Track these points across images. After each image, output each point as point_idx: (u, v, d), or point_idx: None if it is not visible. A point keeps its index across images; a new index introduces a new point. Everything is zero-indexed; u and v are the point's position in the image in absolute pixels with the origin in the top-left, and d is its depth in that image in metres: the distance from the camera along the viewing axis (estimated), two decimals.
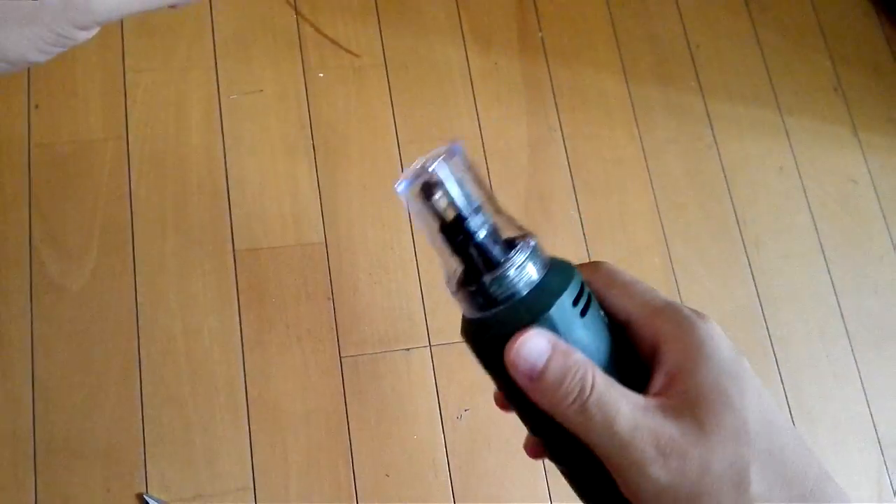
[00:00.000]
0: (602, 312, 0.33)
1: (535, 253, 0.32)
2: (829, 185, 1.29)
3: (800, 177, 1.29)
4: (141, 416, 1.01)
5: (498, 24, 1.29)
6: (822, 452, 1.14)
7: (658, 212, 1.22)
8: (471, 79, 1.24)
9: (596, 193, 1.22)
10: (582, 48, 1.30)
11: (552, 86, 1.27)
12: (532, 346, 0.29)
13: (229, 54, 1.19)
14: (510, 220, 0.33)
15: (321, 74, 1.20)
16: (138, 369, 1.03)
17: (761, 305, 1.20)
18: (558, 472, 0.36)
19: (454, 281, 0.33)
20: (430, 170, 0.31)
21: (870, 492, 1.13)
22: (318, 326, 1.08)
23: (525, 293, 0.31)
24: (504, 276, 0.30)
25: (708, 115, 1.30)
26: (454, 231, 0.31)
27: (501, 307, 0.31)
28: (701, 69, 1.32)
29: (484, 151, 1.20)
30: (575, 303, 0.31)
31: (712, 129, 1.29)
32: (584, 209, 1.20)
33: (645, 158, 1.25)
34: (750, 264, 1.22)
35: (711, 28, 1.35)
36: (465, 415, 1.07)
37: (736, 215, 1.24)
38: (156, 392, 1.02)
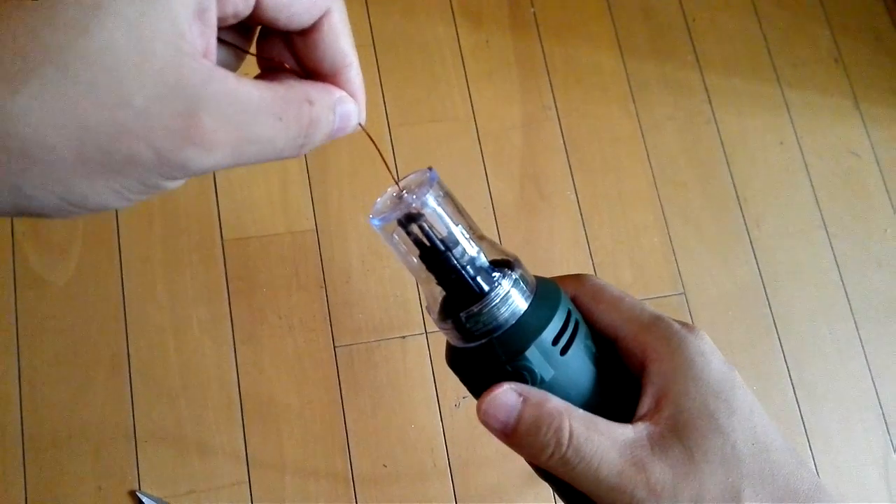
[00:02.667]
0: (589, 341, 0.32)
1: (517, 284, 0.30)
2: (831, 158, 1.26)
3: (800, 151, 1.26)
4: (131, 412, 0.99)
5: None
6: (827, 431, 1.12)
7: (657, 190, 1.20)
8: (462, 57, 1.21)
9: (593, 173, 1.19)
10: (575, 23, 1.26)
11: (545, 62, 1.23)
12: (501, 402, 0.29)
13: None
14: (493, 246, 0.32)
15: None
16: (127, 364, 1.00)
17: (763, 283, 1.18)
18: None
19: (436, 310, 0.32)
20: (407, 201, 0.30)
21: (876, 470, 1.11)
22: (310, 316, 1.05)
23: (503, 330, 0.29)
24: (481, 313, 0.29)
25: (706, 90, 1.26)
26: (433, 263, 0.30)
27: (480, 342, 0.30)
28: (698, 42, 1.29)
29: (477, 131, 1.17)
30: (557, 339, 0.30)
31: (710, 104, 1.26)
32: (580, 189, 1.17)
33: (642, 136, 1.22)
34: (751, 242, 1.20)
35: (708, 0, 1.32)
36: (463, 402, 1.04)
37: (736, 192, 1.22)
38: (146, 387, 1.00)
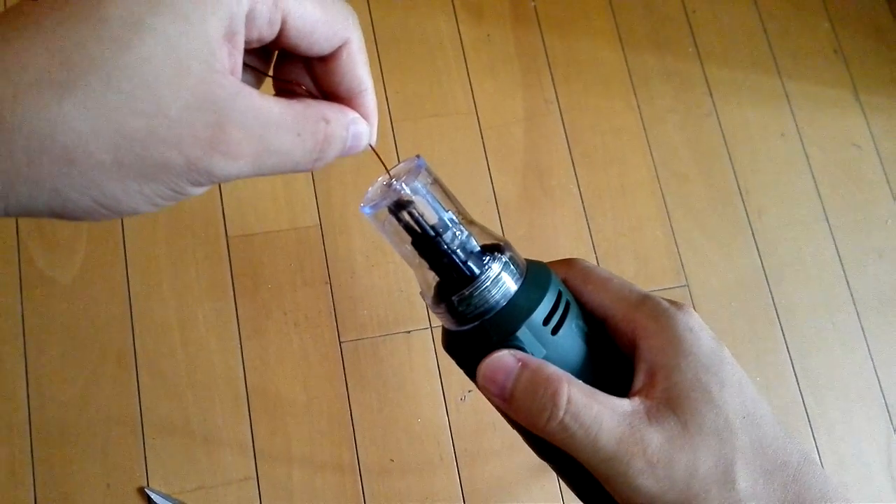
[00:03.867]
0: (580, 321, 0.32)
1: (508, 266, 0.31)
2: (832, 149, 1.27)
3: (801, 142, 1.26)
4: (139, 409, 0.99)
5: None
6: (830, 421, 1.13)
7: (658, 183, 1.20)
8: (463, 52, 1.21)
9: (595, 166, 1.19)
10: (576, 16, 1.26)
11: (547, 56, 1.23)
12: (499, 366, 0.30)
13: None
14: (483, 231, 0.32)
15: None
16: (134, 361, 1.01)
17: (765, 274, 1.18)
18: None
19: (429, 295, 0.32)
20: (395, 188, 0.31)
21: (879, 459, 1.12)
22: (315, 312, 1.06)
23: (494, 312, 0.30)
24: (472, 296, 0.30)
25: (707, 82, 1.27)
26: (424, 248, 0.31)
27: (473, 325, 0.30)
28: (698, 35, 1.29)
29: (479, 126, 1.17)
30: (548, 319, 0.30)
31: (711, 96, 1.26)
32: (583, 182, 1.18)
33: (644, 128, 1.22)
34: (753, 233, 1.20)
35: None
36: (469, 396, 1.05)
37: (738, 184, 1.22)
38: (153, 384, 1.00)
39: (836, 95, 1.30)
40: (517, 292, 0.30)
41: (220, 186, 1.09)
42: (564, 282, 0.33)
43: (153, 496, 0.96)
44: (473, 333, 0.30)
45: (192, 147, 0.24)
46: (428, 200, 0.31)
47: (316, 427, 1.01)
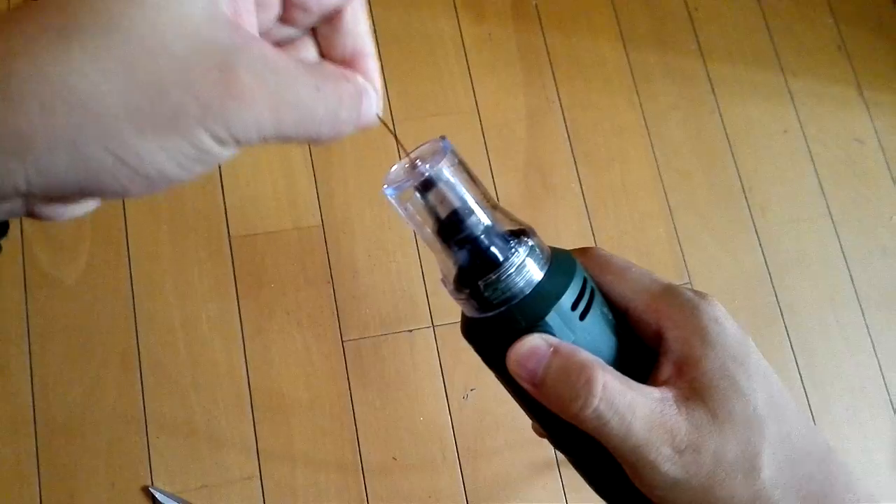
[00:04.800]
0: (605, 309, 0.31)
1: (534, 251, 0.30)
2: (835, 146, 1.26)
3: (805, 139, 1.26)
4: (143, 408, 1.00)
5: None
6: (835, 419, 1.12)
7: (661, 180, 1.20)
8: (465, 51, 1.21)
9: (597, 164, 1.19)
10: (578, 14, 1.26)
11: (549, 55, 1.23)
12: (531, 350, 0.29)
13: None
14: (507, 216, 0.31)
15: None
16: (138, 361, 1.01)
17: (769, 272, 1.18)
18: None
19: (451, 280, 0.31)
20: (420, 170, 0.30)
21: (884, 456, 1.12)
22: (318, 311, 1.06)
23: (521, 297, 0.29)
24: (500, 280, 0.29)
25: (709, 80, 1.26)
26: (449, 232, 0.30)
27: (499, 310, 0.30)
28: (701, 32, 1.29)
29: (481, 125, 1.17)
30: (575, 305, 0.30)
31: (714, 93, 1.26)
32: (585, 181, 1.18)
33: (646, 126, 1.22)
34: (756, 230, 1.20)
35: None
36: (472, 394, 1.05)
37: (741, 181, 1.22)
38: (157, 383, 1.01)
39: (839, 92, 1.29)
40: (545, 277, 0.30)
41: (222, 186, 1.09)
42: None
43: (157, 495, 0.96)
44: (499, 319, 0.30)
45: (203, 89, 0.23)
46: (453, 183, 0.30)
47: (319, 426, 1.02)
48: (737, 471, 0.28)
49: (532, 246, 0.30)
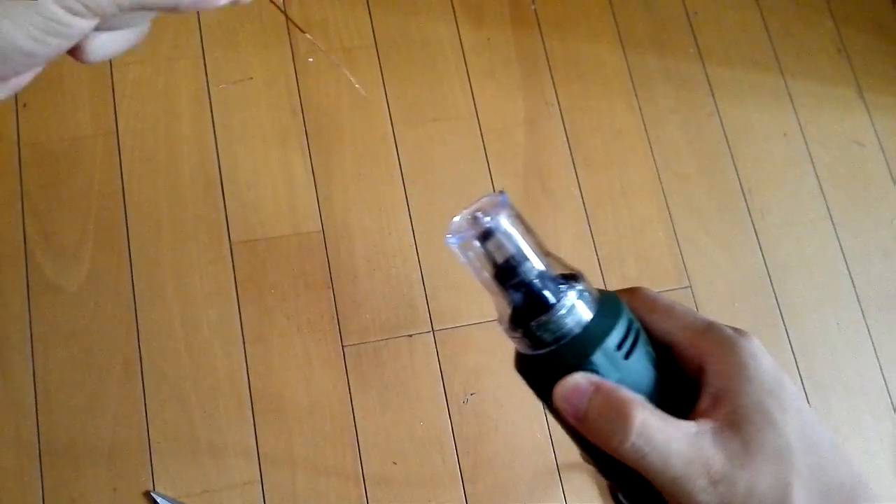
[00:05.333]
0: (650, 347, 0.34)
1: (582, 294, 0.33)
2: (835, 148, 1.26)
3: (805, 141, 1.26)
4: (144, 413, 1.00)
5: None
6: (836, 422, 1.12)
7: (660, 184, 1.20)
8: (463, 55, 1.22)
9: (596, 168, 1.19)
10: (576, 18, 1.27)
11: (547, 59, 1.24)
12: (574, 388, 0.31)
13: (216, 42, 1.17)
14: (558, 262, 0.34)
15: (311, 59, 1.17)
16: (139, 366, 1.02)
17: (769, 274, 1.18)
18: (567, 454, 0.36)
19: (506, 320, 0.34)
20: (482, 223, 0.33)
21: (886, 459, 1.12)
22: (318, 316, 1.06)
23: (570, 338, 0.32)
24: (550, 321, 0.32)
25: (708, 82, 1.26)
26: (506, 277, 0.33)
27: (549, 349, 0.32)
28: (700, 35, 1.29)
29: (480, 129, 1.18)
30: (620, 345, 0.32)
31: (713, 96, 1.26)
32: (584, 184, 1.18)
33: (645, 130, 1.22)
34: (756, 233, 1.20)
35: None
36: (471, 398, 1.05)
37: (740, 183, 1.22)
38: (158, 388, 1.02)
39: (839, 94, 1.29)
40: (592, 319, 0.32)
41: (223, 192, 1.10)
42: (630, 311, 0.35)
43: (159, 500, 0.97)
44: (549, 357, 0.32)
45: None
46: (510, 233, 0.33)
47: (319, 431, 1.02)
48: (768, 501, 0.29)
49: (581, 290, 0.33)
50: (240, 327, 1.05)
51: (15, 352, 1.01)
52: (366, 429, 1.03)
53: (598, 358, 0.31)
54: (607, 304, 0.33)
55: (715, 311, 1.15)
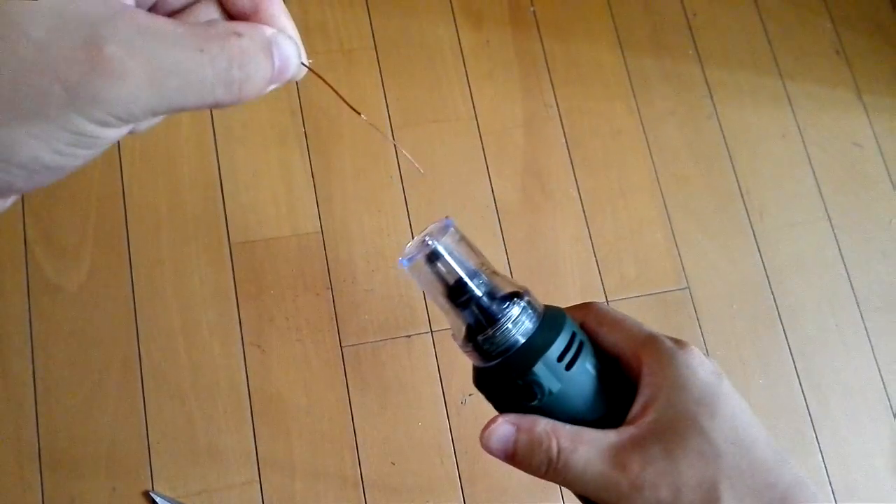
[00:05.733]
0: (594, 358, 0.36)
1: (526, 310, 0.35)
2: (834, 149, 1.26)
3: (803, 143, 1.26)
4: (143, 414, 1.01)
5: None
6: (834, 423, 1.12)
7: (659, 185, 1.20)
8: (463, 57, 1.22)
9: (595, 169, 1.19)
10: (575, 20, 1.27)
11: (546, 60, 1.24)
12: (498, 434, 0.34)
13: None
14: (505, 280, 0.36)
15: (310, 60, 1.17)
16: (139, 366, 1.02)
17: (767, 276, 1.18)
18: None
19: (460, 336, 0.36)
20: (428, 244, 0.35)
21: (883, 460, 1.12)
22: (317, 317, 1.07)
23: (514, 350, 0.34)
24: (496, 335, 0.34)
25: (707, 84, 1.27)
26: (455, 295, 0.35)
27: (496, 361, 0.34)
28: (698, 36, 1.29)
29: (479, 131, 1.18)
30: (562, 356, 0.34)
31: (712, 98, 1.26)
32: (583, 186, 1.18)
33: (644, 131, 1.23)
34: (755, 234, 1.20)
35: None
36: (470, 399, 1.05)
37: (739, 185, 1.22)
38: (157, 389, 1.02)
39: (837, 95, 1.29)
40: (534, 333, 0.34)
41: (222, 193, 1.10)
42: (582, 324, 0.37)
43: (158, 500, 0.97)
44: (497, 369, 0.34)
45: (66, 70, 0.21)
46: (456, 254, 0.35)
47: (318, 431, 1.03)
48: (695, 501, 0.31)
49: (524, 305, 0.35)
50: (239, 328, 1.05)
51: (15, 351, 1.01)
52: (364, 429, 1.03)
53: (539, 369, 0.33)
54: (551, 318, 0.36)
55: (713, 312, 1.15)
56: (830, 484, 1.09)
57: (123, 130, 0.24)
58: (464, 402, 1.06)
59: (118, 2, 0.23)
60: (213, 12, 0.27)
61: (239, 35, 0.25)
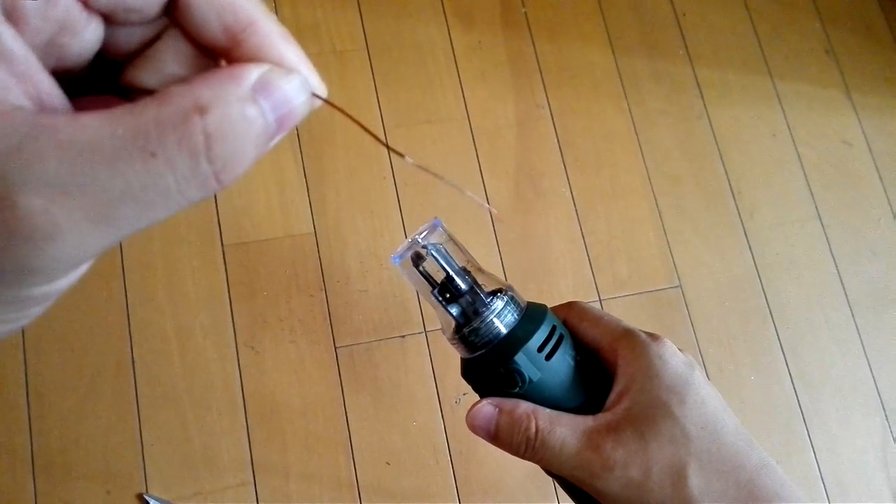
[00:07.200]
0: (573, 350, 0.38)
1: (508, 305, 0.37)
2: (824, 148, 1.27)
3: (793, 142, 1.27)
4: (137, 417, 1.01)
5: (480, 1, 1.26)
6: (825, 420, 1.13)
7: (651, 185, 1.21)
8: (455, 58, 1.22)
9: (587, 169, 1.20)
10: (566, 21, 1.27)
11: (538, 61, 1.24)
12: (482, 414, 0.36)
13: None
14: (490, 277, 0.39)
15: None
16: (132, 370, 1.02)
17: (758, 274, 1.19)
18: None
19: (449, 330, 0.38)
20: (417, 243, 0.37)
21: (874, 456, 1.12)
22: (311, 318, 1.07)
23: (497, 341, 0.36)
24: (480, 328, 0.36)
25: (697, 84, 1.27)
26: (442, 290, 0.37)
27: (480, 352, 0.37)
28: (688, 37, 1.30)
29: (471, 131, 1.19)
30: (542, 347, 0.36)
31: (702, 98, 1.27)
32: (575, 186, 1.19)
33: (635, 131, 1.23)
34: (746, 233, 1.21)
35: None
36: (464, 398, 1.06)
37: (730, 184, 1.23)
38: (151, 392, 1.02)
39: (827, 95, 1.30)
40: (516, 325, 0.37)
41: (214, 196, 1.10)
42: (565, 321, 0.40)
43: (152, 502, 0.97)
44: (480, 359, 0.37)
45: None
46: (443, 253, 0.37)
47: (312, 432, 1.03)
48: (664, 481, 0.33)
49: (507, 300, 0.37)
50: (232, 330, 1.05)
51: (7, 355, 1.01)
52: (359, 429, 1.03)
53: (520, 358, 0.36)
54: (533, 312, 0.38)
55: (705, 310, 1.15)
56: (822, 479, 1.10)
57: (80, 272, 0.19)
58: (458, 401, 1.06)
59: (25, 114, 0.17)
60: (181, 52, 0.21)
61: (203, 110, 0.17)
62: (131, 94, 0.21)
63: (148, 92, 0.20)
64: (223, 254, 1.08)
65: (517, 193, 1.17)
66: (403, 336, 1.08)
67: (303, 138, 1.14)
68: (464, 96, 1.20)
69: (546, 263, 1.14)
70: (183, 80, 0.18)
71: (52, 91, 0.18)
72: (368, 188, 1.14)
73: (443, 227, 0.38)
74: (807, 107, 1.29)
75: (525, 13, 1.27)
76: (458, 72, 1.22)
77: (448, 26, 1.24)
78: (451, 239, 0.38)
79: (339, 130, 1.15)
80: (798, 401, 1.13)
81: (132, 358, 1.03)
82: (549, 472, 0.38)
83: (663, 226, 1.19)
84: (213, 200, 1.10)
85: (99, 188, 0.16)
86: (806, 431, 1.12)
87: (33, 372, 1.01)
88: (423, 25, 1.23)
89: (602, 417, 0.35)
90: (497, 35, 1.25)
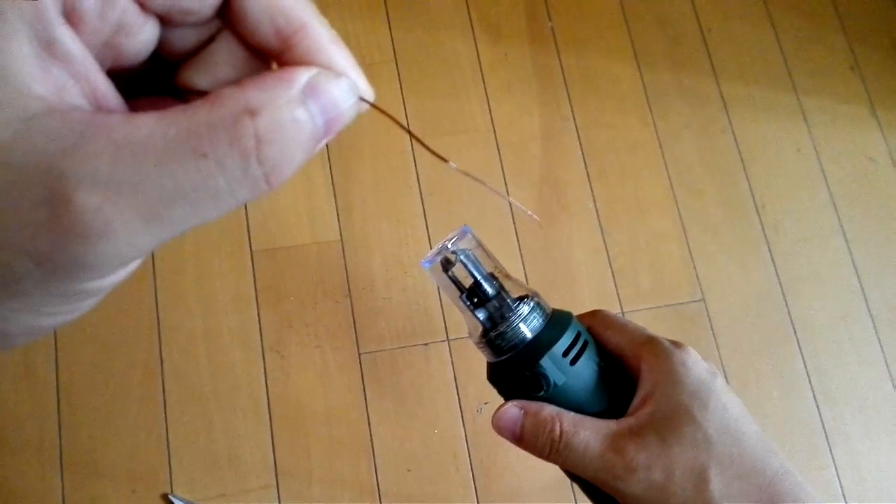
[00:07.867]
0: (597, 356, 0.39)
1: (535, 310, 0.38)
2: (848, 164, 1.27)
3: (818, 158, 1.27)
4: (164, 417, 1.02)
5: (507, 14, 1.28)
6: (848, 436, 1.12)
7: (674, 198, 1.21)
8: (481, 71, 1.24)
9: (611, 182, 1.21)
10: (592, 35, 1.29)
11: (563, 75, 1.26)
12: (508, 416, 0.37)
13: None
14: (516, 283, 0.39)
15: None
16: (160, 371, 1.04)
17: (782, 289, 1.19)
18: None
19: (476, 334, 0.39)
20: (447, 248, 0.38)
21: None
22: (336, 324, 1.08)
23: (523, 345, 0.37)
24: (507, 332, 0.37)
25: (722, 99, 1.28)
26: (470, 295, 0.38)
27: (507, 356, 0.37)
28: (714, 52, 1.31)
29: (496, 143, 1.20)
30: (567, 352, 0.37)
31: (727, 112, 1.27)
32: (599, 198, 1.19)
33: (660, 145, 1.24)
34: (769, 248, 1.21)
35: (723, 10, 1.33)
36: (485, 408, 1.06)
37: (754, 199, 1.23)
38: (178, 393, 1.03)
39: (852, 111, 1.30)
40: (542, 330, 0.37)
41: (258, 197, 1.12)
42: (590, 328, 0.40)
43: (176, 502, 0.98)
44: (506, 363, 0.37)
45: (31, 241, 0.17)
46: (473, 259, 0.38)
47: (335, 436, 1.04)
48: (686, 484, 0.34)
49: (533, 306, 0.38)
50: (259, 334, 1.07)
51: (39, 354, 1.03)
52: (381, 436, 1.05)
53: (545, 362, 0.36)
54: (558, 317, 0.39)
55: (728, 324, 1.16)
56: (844, 497, 1.09)
57: (130, 268, 0.20)
58: (479, 410, 1.07)
59: (82, 113, 0.17)
60: (234, 54, 0.21)
61: (253, 113, 0.18)
62: (185, 95, 0.22)
63: (201, 93, 0.20)
64: (252, 259, 1.10)
65: (541, 204, 1.18)
66: (427, 344, 1.09)
67: (331, 147, 1.16)
68: (490, 108, 1.22)
69: (569, 274, 1.15)
70: (235, 82, 0.19)
71: (108, 91, 0.19)
72: (395, 197, 1.15)
73: (472, 234, 0.39)
74: (831, 123, 1.29)
75: (551, 27, 1.28)
76: (484, 84, 1.23)
77: (475, 39, 1.25)
78: (480, 245, 0.39)
79: (367, 140, 1.17)
80: (820, 417, 1.13)
81: (160, 359, 1.04)
82: (570, 475, 0.39)
83: (687, 239, 1.19)
84: (244, 207, 1.12)
85: (151, 187, 0.17)
86: (828, 448, 1.12)
87: (64, 370, 1.03)
88: (451, 38, 1.25)
89: (625, 421, 0.36)
90: (523, 48, 1.26)
